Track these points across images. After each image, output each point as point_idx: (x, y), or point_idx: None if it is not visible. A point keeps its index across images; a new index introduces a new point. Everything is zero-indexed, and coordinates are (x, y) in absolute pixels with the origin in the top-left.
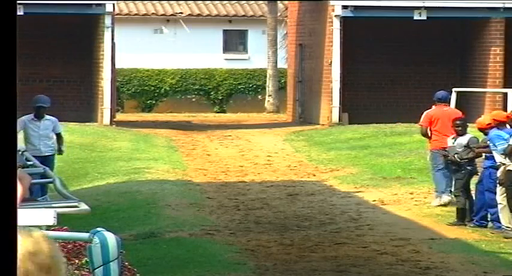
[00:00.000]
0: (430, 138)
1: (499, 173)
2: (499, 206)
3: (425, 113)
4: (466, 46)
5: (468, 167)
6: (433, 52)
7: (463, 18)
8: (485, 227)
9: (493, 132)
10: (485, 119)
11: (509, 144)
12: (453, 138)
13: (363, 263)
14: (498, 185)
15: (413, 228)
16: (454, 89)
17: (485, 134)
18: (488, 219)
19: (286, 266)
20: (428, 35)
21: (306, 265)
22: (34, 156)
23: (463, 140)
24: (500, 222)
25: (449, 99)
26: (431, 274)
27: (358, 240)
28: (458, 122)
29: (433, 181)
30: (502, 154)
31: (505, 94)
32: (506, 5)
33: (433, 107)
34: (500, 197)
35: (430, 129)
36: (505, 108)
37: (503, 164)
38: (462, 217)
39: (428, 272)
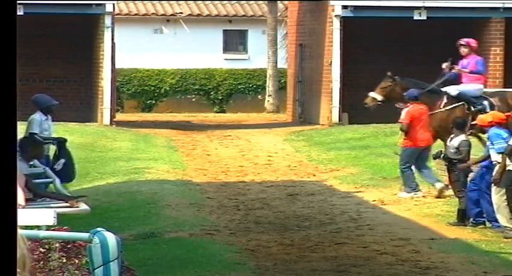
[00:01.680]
0: (406, 135)
1: (494, 172)
2: (495, 206)
3: (405, 110)
4: None
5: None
6: (433, 52)
7: (463, 18)
8: (484, 223)
9: (493, 130)
10: (487, 117)
11: (509, 144)
12: (451, 138)
13: (363, 263)
14: (493, 185)
15: (413, 228)
16: None
17: (484, 132)
18: (484, 215)
19: (286, 266)
20: (428, 35)
21: (306, 265)
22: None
23: (455, 141)
24: (498, 222)
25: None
26: (431, 274)
27: (358, 240)
28: (456, 122)
29: (401, 176)
30: (498, 153)
31: None
32: (506, 5)
33: (410, 105)
34: (496, 196)
35: (409, 127)
36: None
37: (498, 162)
38: (463, 217)
39: (428, 272)
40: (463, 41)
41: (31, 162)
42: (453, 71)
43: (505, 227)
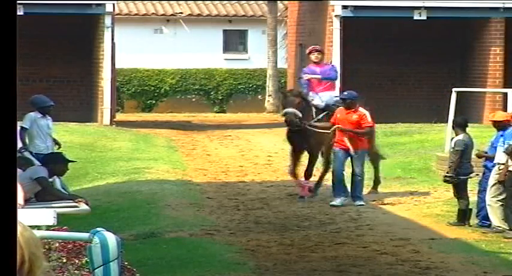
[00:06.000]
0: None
1: (495, 172)
2: (488, 207)
3: (368, 113)
4: (466, 46)
5: (458, 169)
6: (433, 52)
7: (463, 18)
8: (489, 226)
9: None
10: None
11: (509, 144)
12: (452, 138)
13: (363, 263)
14: (491, 186)
15: (413, 228)
16: (454, 89)
17: (499, 128)
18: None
19: (286, 266)
20: (428, 35)
21: (306, 265)
22: (40, 154)
23: (452, 142)
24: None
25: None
26: (431, 274)
27: (358, 240)
28: (457, 121)
29: (359, 182)
30: (504, 152)
31: (505, 94)
32: (506, 5)
33: (360, 107)
34: (491, 197)
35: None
36: (505, 108)
37: (500, 163)
38: (463, 218)
39: (428, 272)
40: (319, 47)
41: (24, 153)
42: (305, 78)
43: (498, 226)
